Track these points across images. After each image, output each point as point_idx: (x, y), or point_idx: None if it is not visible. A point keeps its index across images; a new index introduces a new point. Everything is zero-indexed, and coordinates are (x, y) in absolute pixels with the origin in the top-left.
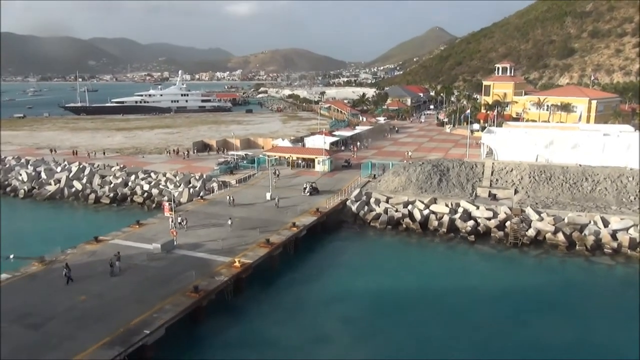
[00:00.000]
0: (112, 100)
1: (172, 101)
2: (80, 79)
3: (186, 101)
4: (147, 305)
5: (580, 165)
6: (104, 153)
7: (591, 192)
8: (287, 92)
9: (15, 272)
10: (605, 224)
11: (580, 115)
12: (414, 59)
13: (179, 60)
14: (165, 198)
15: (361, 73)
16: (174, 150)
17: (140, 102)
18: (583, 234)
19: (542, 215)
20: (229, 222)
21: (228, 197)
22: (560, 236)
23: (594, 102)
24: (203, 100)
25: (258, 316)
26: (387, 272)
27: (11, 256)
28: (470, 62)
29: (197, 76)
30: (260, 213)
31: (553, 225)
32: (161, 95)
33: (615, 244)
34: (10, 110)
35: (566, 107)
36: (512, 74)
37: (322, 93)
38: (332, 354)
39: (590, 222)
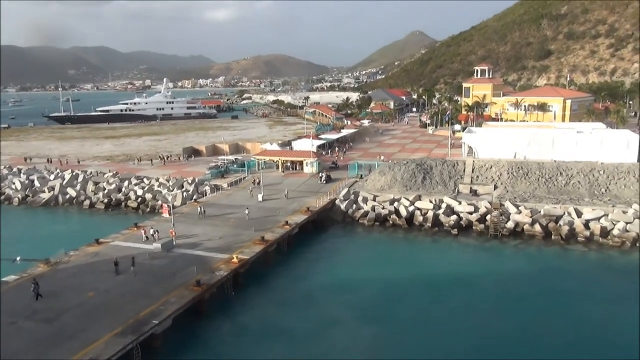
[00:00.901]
0: (97, 109)
1: (157, 109)
2: (60, 89)
3: (172, 108)
4: (153, 298)
5: (555, 161)
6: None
7: (565, 186)
8: (271, 97)
9: (23, 273)
10: (579, 214)
11: (554, 114)
12: (396, 63)
13: (161, 68)
14: (159, 202)
15: (344, 78)
16: (160, 157)
17: (126, 110)
18: (558, 224)
19: (520, 208)
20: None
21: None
22: (537, 227)
23: (568, 102)
24: (188, 108)
25: (255, 307)
26: (375, 265)
27: (18, 258)
28: (450, 65)
29: (179, 84)
30: (253, 212)
31: (530, 217)
32: (146, 103)
33: (587, 233)
34: None
35: (542, 107)
36: (491, 76)
37: (306, 98)
38: (322, 338)
39: (564, 213)
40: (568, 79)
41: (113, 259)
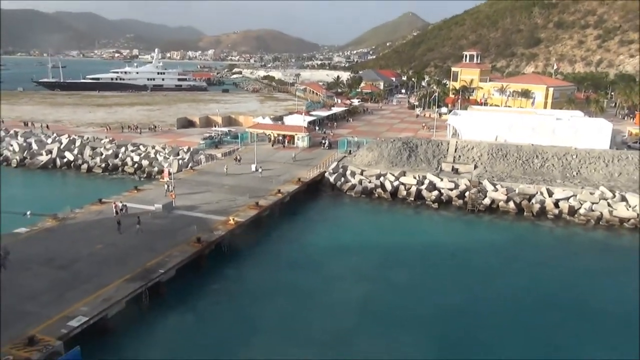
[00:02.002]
0: (87, 76)
1: (148, 79)
2: (45, 54)
3: (162, 79)
4: (157, 252)
5: (532, 144)
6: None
7: (540, 168)
8: (261, 73)
9: (33, 226)
10: (550, 194)
11: (533, 101)
12: (387, 44)
13: (148, 37)
14: (156, 169)
15: (334, 56)
16: (150, 128)
17: (116, 79)
18: (531, 202)
19: (496, 186)
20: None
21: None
22: (511, 204)
23: (551, 90)
24: (179, 79)
25: (249, 264)
26: (360, 232)
27: (28, 213)
28: (441, 49)
29: (168, 55)
30: (247, 182)
31: (505, 195)
32: (137, 73)
33: (557, 211)
34: None
35: (526, 94)
36: (479, 62)
37: (297, 75)
38: (307, 293)
39: (537, 192)
40: (555, 67)
41: (117, 217)
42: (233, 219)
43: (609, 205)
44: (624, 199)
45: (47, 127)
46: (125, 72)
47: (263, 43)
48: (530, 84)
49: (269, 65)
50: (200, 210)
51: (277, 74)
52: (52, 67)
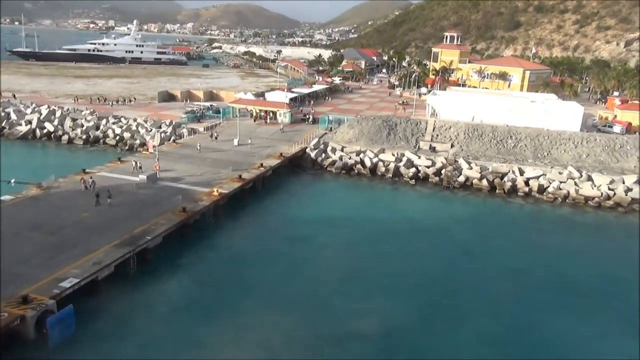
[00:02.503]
0: (64, 47)
1: (126, 51)
2: (16, 23)
3: (141, 52)
4: (144, 220)
5: (507, 125)
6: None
7: (513, 148)
8: (242, 48)
9: (18, 194)
10: (521, 172)
11: (509, 84)
12: (369, 23)
13: (125, 9)
14: (138, 141)
15: (316, 34)
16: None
17: (93, 50)
18: (503, 180)
19: (471, 165)
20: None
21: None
22: (485, 182)
23: (527, 73)
24: (158, 53)
25: (232, 234)
26: (339, 205)
27: (12, 180)
28: (423, 29)
29: (145, 27)
30: (229, 156)
31: (479, 173)
32: (115, 45)
33: (527, 189)
34: None
35: (503, 76)
36: (459, 43)
37: (279, 52)
38: (284, 257)
39: (509, 171)
40: (533, 51)
41: (95, 190)
42: (217, 191)
43: (575, 184)
44: (590, 178)
45: (14, 96)
46: (103, 44)
47: (243, 18)
48: (508, 66)
49: (250, 41)
50: (184, 181)
51: (257, 50)
52: (26, 37)
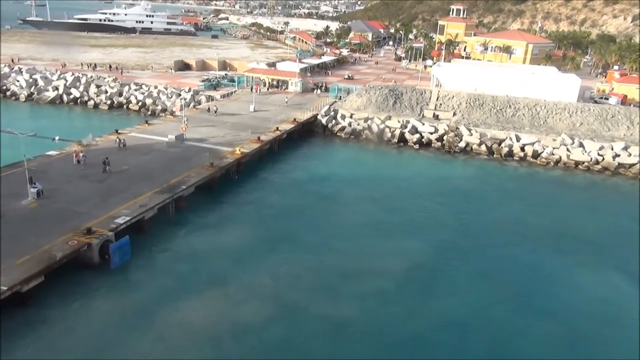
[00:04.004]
0: (75, 16)
1: (137, 21)
2: None
3: (151, 22)
4: (177, 172)
5: (507, 95)
6: (95, 67)
7: (512, 117)
8: (249, 20)
9: (62, 150)
10: (518, 139)
11: (510, 56)
12: None
13: None
14: (159, 107)
15: (321, 5)
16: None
17: (105, 20)
18: (500, 146)
19: (471, 132)
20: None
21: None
22: (483, 147)
23: (530, 46)
24: (168, 23)
25: (252, 188)
26: (349, 165)
27: (56, 138)
28: (430, 2)
29: None
30: (247, 120)
31: (479, 139)
32: (126, 15)
33: (522, 154)
34: None
35: (507, 49)
36: (466, 16)
37: (286, 23)
38: (297, 211)
39: (507, 137)
40: (539, 25)
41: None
42: (239, 150)
43: (567, 150)
44: (581, 145)
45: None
46: (114, 14)
47: None
48: (512, 40)
49: (255, 12)
50: (209, 142)
51: (264, 22)
52: (36, 6)
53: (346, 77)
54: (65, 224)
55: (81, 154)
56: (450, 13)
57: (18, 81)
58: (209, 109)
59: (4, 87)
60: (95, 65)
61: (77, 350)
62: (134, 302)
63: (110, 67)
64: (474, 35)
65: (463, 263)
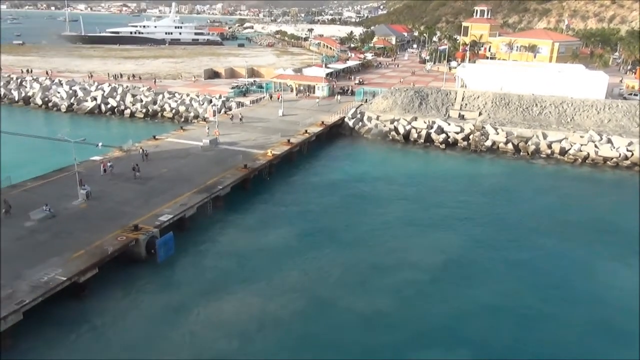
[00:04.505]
0: (107, 30)
1: (166, 33)
2: (52, 8)
3: (180, 33)
4: (213, 174)
5: (533, 94)
6: (130, 77)
7: (538, 115)
8: (273, 28)
9: (105, 155)
10: (545, 136)
11: (535, 55)
12: None
13: None
14: (192, 114)
15: (344, 11)
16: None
17: (135, 32)
18: (527, 144)
19: (497, 130)
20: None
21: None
22: (510, 146)
23: (556, 44)
24: (196, 34)
25: (284, 188)
26: (378, 165)
27: (100, 144)
28: (454, 4)
29: (176, 9)
30: (276, 124)
31: (505, 137)
32: (155, 27)
33: (549, 151)
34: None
35: (532, 48)
36: (490, 17)
37: (310, 30)
38: (332, 206)
39: (533, 135)
40: (566, 23)
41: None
42: (270, 152)
43: (595, 146)
44: (609, 141)
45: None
46: (144, 26)
47: None
48: (537, 38)
49: (279, 20)
50: (241, 145)
51: (289, 29)
52: (70, 21)
53: (357, 82)
54: (113, 222)
55: (108, 164)
56: (474, 14)
57: (59, 93)
58: (232, 117)
59: (46, 99)
60: (121, 75)
61: (127, 336)
62: (179, 294)
63: (132, 76)
64: (499, 35)
65: (499, 253)
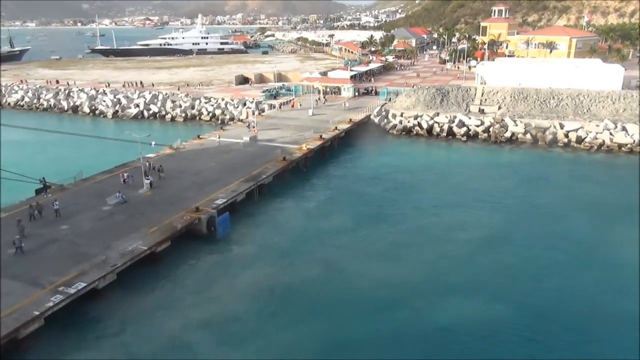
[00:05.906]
0: (138, 42)
1: (193, 43)
2: (79, 24)
3: (206, 44)
4: (256, 166)
5: (550, 87)
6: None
7: (555, 107)
8: (294, 35)
9: (158, 153)
10: (562, 126)
11: (551, 50)
12: (416, 1)
13: (174, 4)
14: (228, 117)
15: (362, 16)
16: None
17: (164, 44)
18: (545, 134)
19: (516, 122)
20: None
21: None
22: (528, 136)
23: (574, 40)
24: (222, 43)
25: (317, 177)
26: (405, 157)
27: (153, 143)
28: (472, 5)
29: (196, 20)
30: (307, 122)
31: (524, 128)
32: (183, 38)
33: (566, 140)
34: (37, 54)
35: (550, 45)
36: (507, 16)
37: (331, 36)
38: (368, 195)
39: (550, 126)
40: (586, 20)
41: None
42: (305, 146)
43: (610, 134)
44: (624, 129)
45: (136, 84)
46: (172, 38)
47: (289, 5)
48: (555, 35)
49: (299, 27)
50: (278, 141)
51: (309, 36)
52: (100, 36)
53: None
54: (176, 205)
55: (126, 174)
56: (492, 14)
57: (104, 101)
58: (248, 125)
59: (93, 108)
60: (141, 83)
61: (198, 292)
62: (237, 262)
63: (179, 86)
64: (517, 34)
65: (531, 226)
